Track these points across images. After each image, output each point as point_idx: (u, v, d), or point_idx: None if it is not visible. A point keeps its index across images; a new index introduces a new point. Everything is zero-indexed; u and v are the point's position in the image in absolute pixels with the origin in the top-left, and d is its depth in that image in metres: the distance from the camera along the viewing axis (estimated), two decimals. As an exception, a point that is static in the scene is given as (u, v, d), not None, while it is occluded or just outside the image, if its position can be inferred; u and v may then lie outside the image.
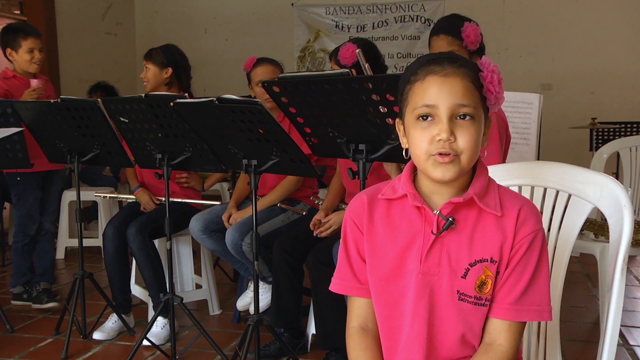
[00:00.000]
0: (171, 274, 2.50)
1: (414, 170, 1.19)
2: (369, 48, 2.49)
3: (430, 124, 1.09)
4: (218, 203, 3.00)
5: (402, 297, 1.16)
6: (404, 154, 1.17)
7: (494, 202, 1.13)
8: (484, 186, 1.14)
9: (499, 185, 1.17)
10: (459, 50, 2.09)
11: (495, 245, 1.12)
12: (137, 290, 3.05)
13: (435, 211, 1.13)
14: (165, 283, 2.67)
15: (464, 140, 1.08)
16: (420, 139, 1.10)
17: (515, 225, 1.12)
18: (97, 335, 2.78)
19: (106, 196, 3.40)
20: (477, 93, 1.10)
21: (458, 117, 1.08)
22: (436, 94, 1.08)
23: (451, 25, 2.11)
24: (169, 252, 2.46)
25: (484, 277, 1.12)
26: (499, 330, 1.14)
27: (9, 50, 3.22)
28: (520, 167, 1.52)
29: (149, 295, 2.86)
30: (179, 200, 2.96)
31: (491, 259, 1.12)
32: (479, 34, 2.08)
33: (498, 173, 1.47)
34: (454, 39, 2.08)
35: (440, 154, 1.08)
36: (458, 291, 1.12)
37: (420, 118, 1.10)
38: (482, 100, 1.11)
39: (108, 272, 2.86)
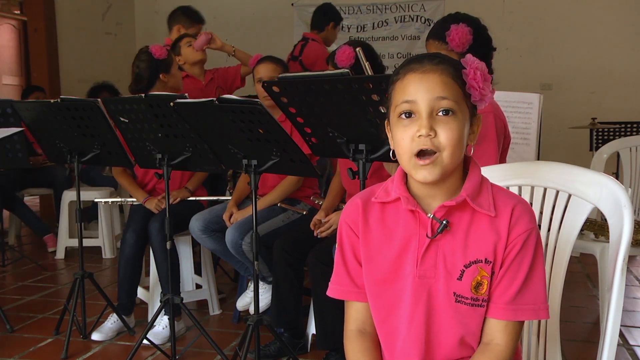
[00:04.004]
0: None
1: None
2: (366, 49, 2.49)
3: (411, 121, 1.09)
4: (228, 198, 2.97)
5: (398, 301, 1.16)
6: (391, 155, 1.17)
7: (487, 202, 1.12)
8: (477, 186, 1.13)
9: (492, 185, 1.17)
10: (448, 54, 2.06)
11: (489, 246, 1.11)
12: (138, 291, 3.04)
13: (429, 214, 1.12)
14: (178, 284, 2.68)
15: (445, 135, 1.07)
16: (402, 137, 1.10)
17: (509, 225, 1.11)
18: (95, 336, 2.77)
19: (107, 201, 3.40)
20: (459, 89, 1.09)
21: (439, 113, 1.08)
22: (415, 89, 1.08)
23: (439, 28, 2.10)
24: (170, 252, 2.46)
25: (479, 278, 1.12)
26: (496, 330, 1.14)
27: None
28: (520, 167, 1.52)
29: (161, 292, 2.84)
30: (192, 198, 2.98)
31: (485, 259, 1.11)
32: (466, 35, 2.02)
33: (498, 173, 1.47)
34: (441, 42, 2.07)
35: (421, 154, 1.08)
36: (455, 293, 1.12)
37: (403, 116, 1.10)
38: (465, 97, 1.10)
39: (119, 274, 2.85)
